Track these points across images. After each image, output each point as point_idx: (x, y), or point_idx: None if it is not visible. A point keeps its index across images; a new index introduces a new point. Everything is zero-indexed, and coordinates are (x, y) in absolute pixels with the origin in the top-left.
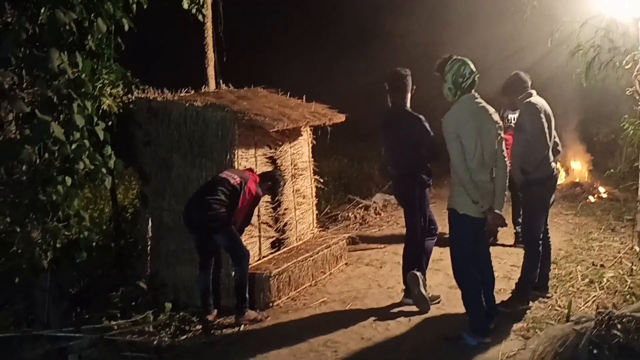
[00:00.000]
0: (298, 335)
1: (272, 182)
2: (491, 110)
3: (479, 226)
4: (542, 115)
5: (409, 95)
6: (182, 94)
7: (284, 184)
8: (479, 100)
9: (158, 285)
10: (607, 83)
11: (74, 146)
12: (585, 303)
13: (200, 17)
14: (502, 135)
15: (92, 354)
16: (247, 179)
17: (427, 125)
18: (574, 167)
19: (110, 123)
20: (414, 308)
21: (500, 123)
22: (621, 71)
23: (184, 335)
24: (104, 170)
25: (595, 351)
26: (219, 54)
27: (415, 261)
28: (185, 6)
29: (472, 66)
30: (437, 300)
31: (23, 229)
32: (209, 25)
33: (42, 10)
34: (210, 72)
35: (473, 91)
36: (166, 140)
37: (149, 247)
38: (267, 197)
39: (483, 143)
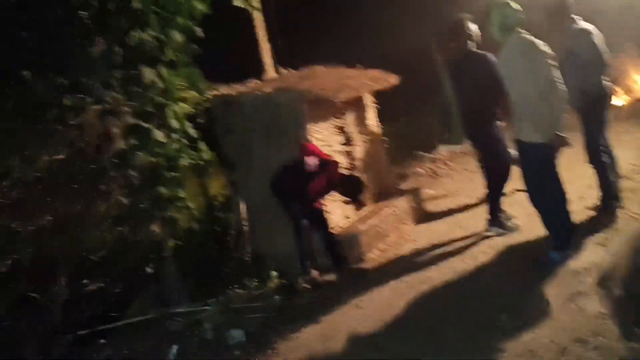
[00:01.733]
0: (396, 276)
1: (354, 189)
2: (539, 42)
3: (545, 150)
4: (594, 39)
5: (470, 40)
6: (250, 84)
7: (364, 189)
8: (527, 35)
9: (261, 258)
10: None
11: (174, 146)
12: None
13: (251, 10)
14: (555, 63)
15: (223, 320)
16: (324, 171)
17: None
18: (636, 83)
19: (201, 122)
20: (496, 238)
21: (551, 52)
22: None
23: (295, 294)
24: (202, 163)
25: None
26: (274, 41)
27: (501, 187)
28: (237, 2)
29: (515, 5)
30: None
31: (144, 224)
32: (258, 16)
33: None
34: (267, 60)
35: (519, 29)
36: (244, 129)
37: (245, 227)
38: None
39: (539, 75)
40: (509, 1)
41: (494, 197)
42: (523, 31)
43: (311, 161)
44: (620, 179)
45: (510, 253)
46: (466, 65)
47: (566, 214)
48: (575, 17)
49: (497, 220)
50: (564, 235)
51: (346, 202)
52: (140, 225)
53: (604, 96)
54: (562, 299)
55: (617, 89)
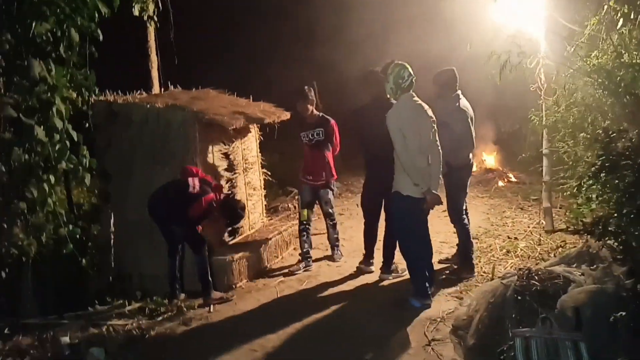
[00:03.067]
0: (263, 309)
1: (231, 216)
2: (426, 107)
3: (420, 205)
4: (469, 119)
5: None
6: (138, 96)
7: (241, 219)
8: (416, 99)
9: (126, 276)
10: (514, 81)
11: (57, 147)
12: (505, 268)
13: (151, 23)
14: (436, 127)
15: (81, 337)
16: (207, 194)
17: None
18: (486, 156)
19: (87, 125)
20: (363, 280)
21: (434, 118)
22: (527, 72)
23: (159, 317)
24: (80, 168)
25: (519, 298)
26: (167, 57)
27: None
28: (137, 13)
29: (410, 70)
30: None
31: (9, 225)
32: (151, 29)
33: (25, 23)
34: (155, 74)
35: (411, 91)
36: (128, 141)
37: (112, 241)
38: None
39: (421, 134)
40: (405, 65)
41: (391, 243)
42: (414, 94)
43: (194, 183)
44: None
45: (376, 294)
46: (379, 109)
47: (429, 266)
48: (459, 92)
49: (390, 266)
50: (425, 285)
51: (226, 226)
52: (1, 227)
53: (468, 166)
54: (422, 343)
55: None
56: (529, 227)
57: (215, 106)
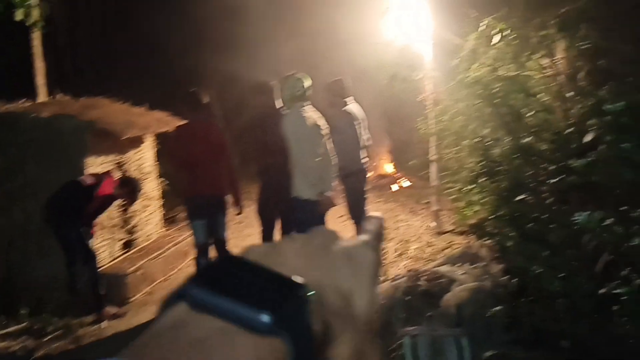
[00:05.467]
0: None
1: (130, 188)
2: (318, 114)
3: (317, 207)
4: (356, 123)
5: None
6: (22, 105)
7: (140, 191)
8: (308, 107)
9: (10, 291)
10: (403, 93)
11: None
12: (398, 270)
13: (38, 28)
14: (329, 134)
15: None
16: (103, 179)
17: None
18: (380, 162)
19: None
20: None
21: (327, 125)
22: (415, 83)
23: (47, 336)
24: None
25: (406, 298)
26: (56, 63)
27: None
28: (19, 18)
29: (305, 81)
30: None
31: None
32: (38, 35)
33: None
34: (40, 81)
35: (305, 101)
36: (15, 150)
37: None
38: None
39: (315, 139)
40: (300, 76)
41: None
42: (306, 103)
43: (87, 178)
44: None
45: None
46: (272, 119)
47: None
48: (348, 99)
49: None
50: None
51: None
52: None
53: (363, 170)
54: None
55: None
56: (420, 229)
57: (108, 116)
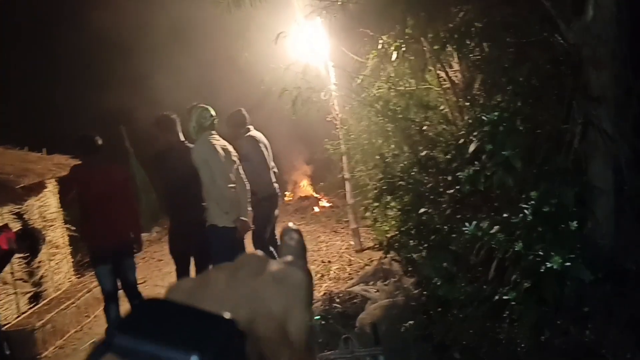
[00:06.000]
0: None
1: (31, 241)
2: (225, 142)
3: (234, 234)
4: (261, 146)
5: (180, 133)
6: None
7: (44, 242)
8: (217, 136)
9: None
10: (311, 114)
11: None
12: (318, 293)
13: None
14: (237, 160)
15: None
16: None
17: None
18: (299, 184)
19: None
20: None
21: (234, 152)
22: (319, 104)
23: None
24: None
25: (323, 322)
26: None
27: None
28: None
29: (212, 111)
30: None
31: None
32: None
33: None
34: None
35: (212, 130)
36: None
37: None
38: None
39: (225, 165)
40: (208, 107)
41: None
42: (214, 133)
43: (4, 244)
44: None
45: None
46: (176, 154)
47: None
48: (250, 126)
49: None
50: None
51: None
52: None
53: (273, 196)
54: None
55: (288, 187)
56: (341, 249)
57: (0, 163)
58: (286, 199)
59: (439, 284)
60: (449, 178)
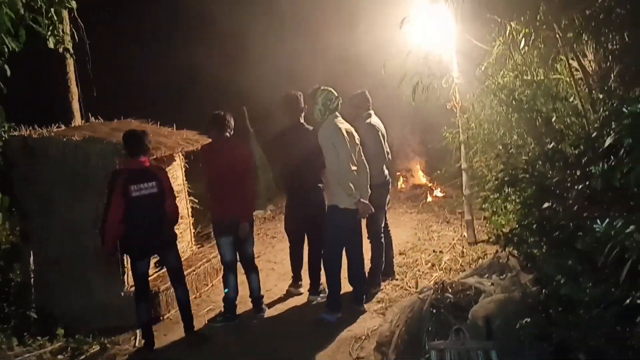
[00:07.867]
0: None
1: None
2: (349, 125)
3: (354, 216)
4: (379, 135)
5: (303, 114)
6: (55, 129)
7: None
8: (341, 119)
9: (47, 315)
10: (430, 101)
11: None
12: (429, 282)
13: (68, 55)
14: (359, 143)
15: None
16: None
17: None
18: (414, 173)
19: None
20: (292, 302)
21: (357, 136)
22: (440, 91)
23: (82, 355)
24: None
25: (434, 311)
26: (85, 89)
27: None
28: (52, 45)
29: (336, 94)
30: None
31: None
32: (70, 61)
33: None
34: (75, 106)
35: (337, 113)
36: (46, 177)
37: (32, 280)
38: None
39: (350, 147)
40: (332, 89)
41: (315, 264)
42: (339, 115)
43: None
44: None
45: (298, 314)
46: (296, 135)
47: (363, 277)
48: (371, 112)
49: (317, 287)
50: (337, 299)
51: None
52: None
53: (384, 183)
54: None
55: (400, 175)
56: (453, 239)
57: None
58: (399, 186)
59: (562, 282)
60: (578, 173)
